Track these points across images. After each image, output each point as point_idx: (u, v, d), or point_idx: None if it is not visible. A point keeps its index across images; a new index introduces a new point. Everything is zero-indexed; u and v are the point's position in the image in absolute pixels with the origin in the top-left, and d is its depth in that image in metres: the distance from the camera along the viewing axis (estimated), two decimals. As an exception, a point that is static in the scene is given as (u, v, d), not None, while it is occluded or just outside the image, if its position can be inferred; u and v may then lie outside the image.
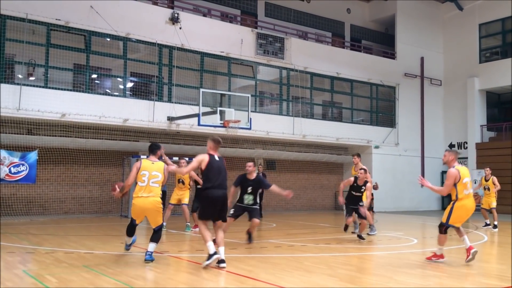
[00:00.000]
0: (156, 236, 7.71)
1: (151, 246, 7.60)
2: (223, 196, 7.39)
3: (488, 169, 15.43)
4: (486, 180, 15.11)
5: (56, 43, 15.48)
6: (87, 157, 16.92)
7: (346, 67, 22.40)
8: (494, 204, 15.02)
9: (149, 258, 7.52)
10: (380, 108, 24.18)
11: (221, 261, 7.15)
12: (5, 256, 7.80)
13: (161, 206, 7.80)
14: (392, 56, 24.96)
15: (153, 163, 7.88)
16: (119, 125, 16.36)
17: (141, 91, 17.27)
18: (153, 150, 8.10)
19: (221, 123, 15.25)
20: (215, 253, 7.07)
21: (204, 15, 20.22)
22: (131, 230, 8.08)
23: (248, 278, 6.49)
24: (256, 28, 20.69)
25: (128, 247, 8.42)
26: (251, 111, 16.42)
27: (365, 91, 23.69)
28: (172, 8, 18.57)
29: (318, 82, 22.12)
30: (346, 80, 22.69)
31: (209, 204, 7.33)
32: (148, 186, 7.70)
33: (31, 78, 15.81)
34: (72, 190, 17.27)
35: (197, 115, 15.17)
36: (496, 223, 14.77)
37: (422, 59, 25.66)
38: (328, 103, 23.01)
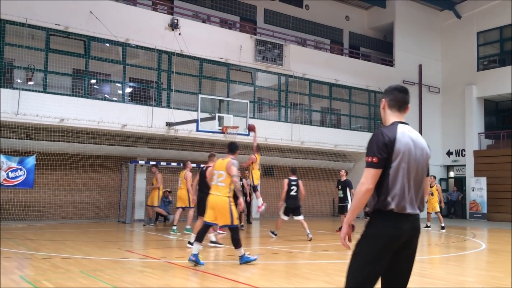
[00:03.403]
0: (233, 240, 7.89)
1: (206, 242, 8.23)
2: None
3: (432, 177, 16.85)
4: (431, 187, 16.45)
5: (55, 48, 15.49)
6: (85, 162, 16.91)
7: (344, 74, 22.47)
8: (437, 208, 16.56)
9: (243, 261, 7.87)
10: (378, 115, 24.19)
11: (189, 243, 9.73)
12: (2, 261, 7.77)
13: (227, 205, 7.86)
14: (390, 63, 25.05)
15: (222, 161, 8.11)
16: (117, 130, 16.35)
17: (140, 97, 17.28)
18: (232, 149, 8.30)
19: (219, 129, 15.25)
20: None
21: (204, 22, 20.28)
22: (201, 232, 8.11)
23: (245, 285, 6.48)
24: (255, 34, 20.76)
25: (193, 257, 7.86)
26: (250, 117, 16.44)
27: (364, 98, 23.75)
28: (172, 14, 18.62)
29: (316, 88, 22.18)
30: (344, 87, 22.76)
31: None
32: (216, 185, 8.03)
33: (30, 83, 15.81)
34: (70, 195, 17.23)
35: (196, 121, 15.18)
36: (443, 224, 16.34)
37: (420, 66, 25.76)
38: (326, 109, 23.06)
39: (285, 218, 12.86)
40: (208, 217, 7.98)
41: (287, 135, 20.21)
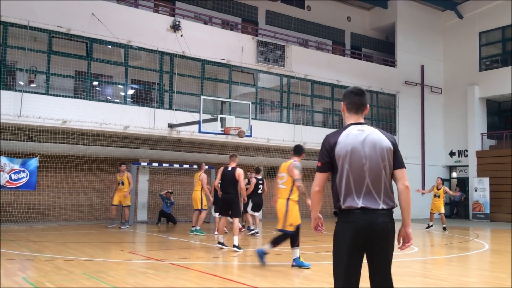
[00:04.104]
0: (275, 238, 7.93)
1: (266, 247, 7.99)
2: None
3: (439, 179, 17.04)
4: (438, 189, 16.64)
5: (57, 50, 15.51)
6: (88, 164, 16.91)
7: (346, 75, 22.45)
8: (442, 210, 16.65)
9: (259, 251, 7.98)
10: (381, 115, 24.20)
11: (234, 246, 9.80)
12: (5, 263, 7.79)
13: (284, 208, 7.83)
14: (392, 64, 25.02)
15: (285, 163, 7.98)
16: (119, 132, 16.37)
17: (142, 98, 17.30)
18: (298, 151, 8.13)
19: (221, 130, 15.27)
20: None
21: (205, 23, 20.30)
22: (278, 239, 8.07)
23: (248, 286, 6.47)
24: (256, 35, 20.76)
25: (294, 262, 8.00)
26: (252, 119, 16.45)
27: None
28: (174, 16, 18.65)
29: (318, 89, 22.16)
30: (346, 87, 22.39)
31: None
32: (279, 187, 8.00)
33: (32, 85, 15.84)
34: (72, 197, 17.24)
35: (198, 122, 15.19)
36: (445, 226, 16.52)
37: (422, 67, 25.73)
38: (328, 110, 23.04)
39: (255, 214, 13.69)
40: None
41: (289, 136, 20.19)
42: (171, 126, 17.02)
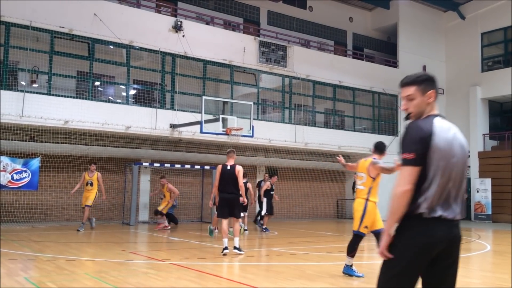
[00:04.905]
0: (348, 246, 7.31)
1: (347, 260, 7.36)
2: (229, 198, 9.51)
3: None
4: None
5: (59, 51, 15.54)
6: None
7: (348, 76, 22.45)
8: None
9: (345, 271, 7.31)
10: (382, 116, 24.18)
11: (235, 248, 9.46)
12: (7, 263, 7.80)
13: (361, 208, 7.13)
14: (394, 64, 25.01)
15: (364, 162, 7.34)
16: (121, 132, 16.39)
17: (143, 99, 17.32)
18: (380, 149, 7.47)
19: (223, 131, 15.28)
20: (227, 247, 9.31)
21: (207, 23, 20.31)
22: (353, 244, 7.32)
23: (249, 287, 6.47)
24: (258, 36, 20.76)
25: (351, 271, 7.33)
26: (254, 119, 16.45)
27: (367, 99, 23.72)
28: (176, 16, 18.66)
29: (320, 90, 22.16)
30: (348, 88, 22.73)
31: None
32: (357, 188, 7.38)
33: (34, 85, 15.87)
34: (74, 197, 17.14)
35: (200, 123, 15.21)
36: None
37: (424, 67, 25.68)
38: (330, 111, 23.04)
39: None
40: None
41: (291, 136, 20.19)
42: (173, 126, 17.03)
